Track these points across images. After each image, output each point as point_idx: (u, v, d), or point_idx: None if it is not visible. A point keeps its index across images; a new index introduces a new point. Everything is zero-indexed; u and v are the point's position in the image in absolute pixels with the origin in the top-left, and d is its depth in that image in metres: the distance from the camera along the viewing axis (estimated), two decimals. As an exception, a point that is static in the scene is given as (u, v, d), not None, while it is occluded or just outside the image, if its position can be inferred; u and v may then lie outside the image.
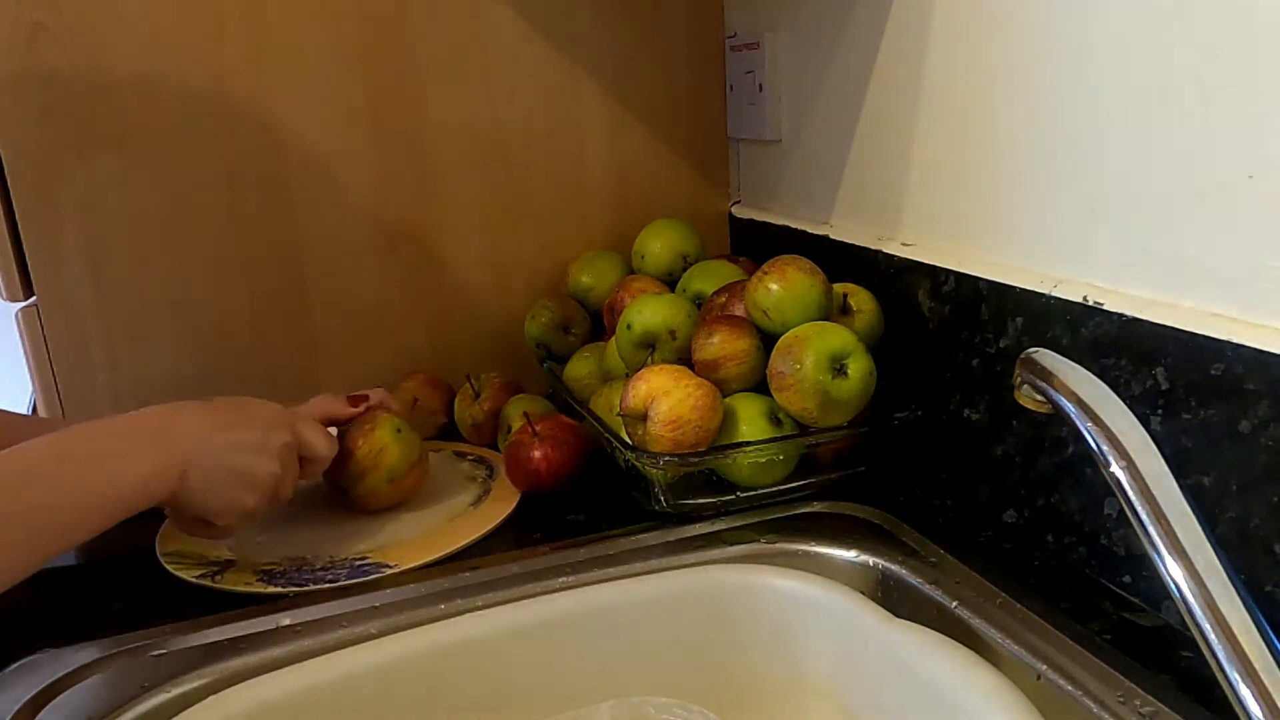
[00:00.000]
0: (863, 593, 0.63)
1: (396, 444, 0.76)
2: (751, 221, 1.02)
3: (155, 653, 0.59)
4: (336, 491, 0.77)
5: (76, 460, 0.57)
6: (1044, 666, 0.53)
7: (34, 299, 0.87)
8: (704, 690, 0.64)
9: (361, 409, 0.78)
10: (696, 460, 0.71)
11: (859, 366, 0.70)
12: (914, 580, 0.62)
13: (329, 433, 0.73)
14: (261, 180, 0.90)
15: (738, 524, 0.71)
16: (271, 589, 0.66)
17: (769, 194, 1.01)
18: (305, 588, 0.66)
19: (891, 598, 0.64)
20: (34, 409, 0.91)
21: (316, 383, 0.93)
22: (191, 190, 0.88)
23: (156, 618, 0.62)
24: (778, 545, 0.68)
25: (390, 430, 0.76)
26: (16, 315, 0.87)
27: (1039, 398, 0.47)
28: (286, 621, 0.62)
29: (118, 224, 0.87)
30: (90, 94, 0.84)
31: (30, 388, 0.89)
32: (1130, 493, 0.41)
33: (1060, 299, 0.61)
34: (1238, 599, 0.39)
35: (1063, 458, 0.63)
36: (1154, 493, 0.41)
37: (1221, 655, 0.38)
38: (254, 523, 0.68)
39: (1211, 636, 0.38)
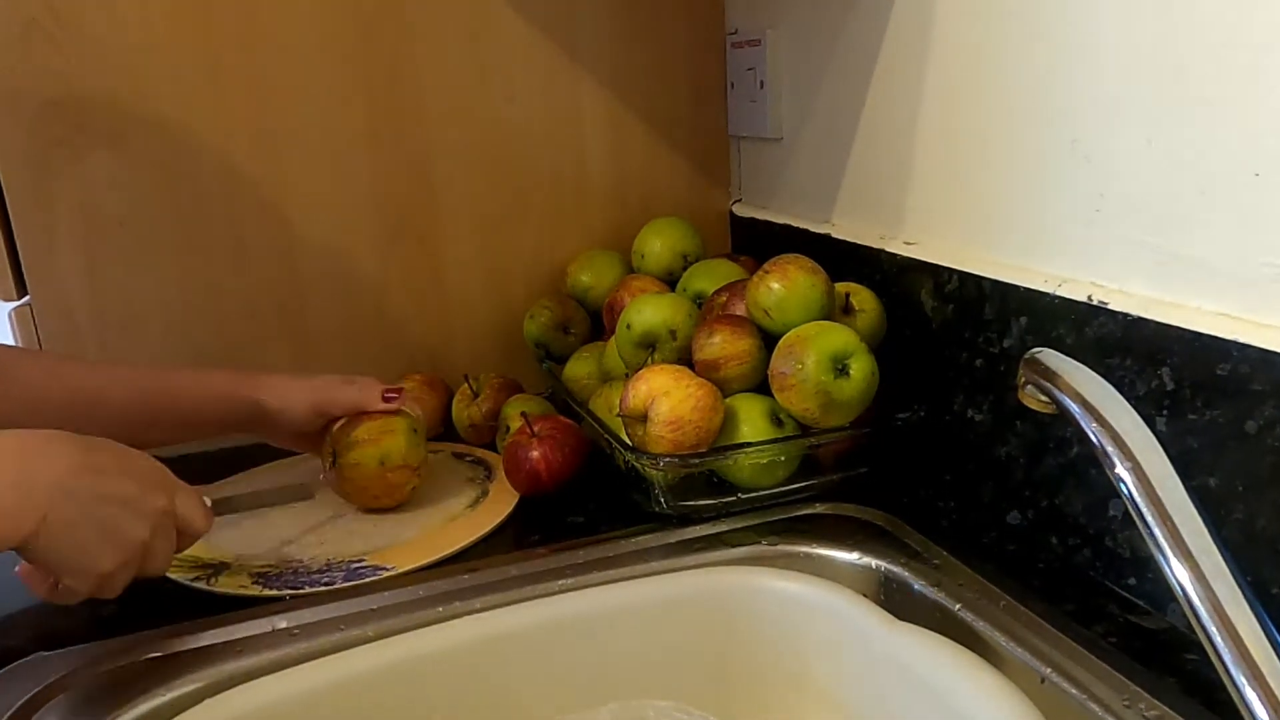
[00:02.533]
0: (865, 595, 0.63)
1: (403, 436, 0.76)
2: (752, 220, 1.02)
3: (149, 656, 0.59)
4: (326, 458, 0.77)
5: None
6: (1048, 670, 0.53)
7: (27, 298, 0.87)
8: (705, 693, 0.64)
9: (392, 407, 0.77)
10: (697, 461, 0.71)
11: (861, 366, 0.70)
12: (917, 582, 0.62)
13: (208, 507, 0.64)
14: (257, 179, 0.90)
15: (739, 526, 0.71)
16: (267, 591, 0.66)
17: (770, 192, 1.01)
18: (301, 590, 0.66)
19: (894, 600, 0.63)
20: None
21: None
22: (187, 189, 0.88)
23: (151, 621, 0.62)
24: (779, 547, 0.68)
25: (406, 424, 0.77)
26: (10, 315, 0.87)
27: (1043, 398, 0.47)
28: (282, 625, 0.62)
29: (113, 223, 0.87)
30: (85, 92, 0.84)
31: (24, 388, 0.89)
32: (1135, 494, 0.41)
33: (1064, 298, 0.61)
34: (1244, 601, 0.39)
35: (1067, 459, 0.63)
36: (1159, 494, 0.41)
37: (1228, 658, 0.38)
38: (108, 594, 0.58)
39: (1217, 639, 0.38)
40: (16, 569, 0.58)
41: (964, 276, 0.70)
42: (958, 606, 0.59)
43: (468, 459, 0.89)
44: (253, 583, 0.67)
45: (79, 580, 0.56)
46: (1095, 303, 0.59)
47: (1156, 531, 0.41)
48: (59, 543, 0.54)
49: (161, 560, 0.60)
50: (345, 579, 0.67)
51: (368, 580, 0.67)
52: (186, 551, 0.71)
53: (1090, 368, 0.47)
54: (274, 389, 0.75)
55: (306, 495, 0.78)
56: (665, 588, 0.64)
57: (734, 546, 0.68)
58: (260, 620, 0.62)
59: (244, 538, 0.74)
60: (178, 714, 0.54)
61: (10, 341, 0.88)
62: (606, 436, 0.75)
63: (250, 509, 0.76)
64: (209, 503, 0.65)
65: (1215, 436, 0.53)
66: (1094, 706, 0.50)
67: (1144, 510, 0.41)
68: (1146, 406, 0.56)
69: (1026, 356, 0.49)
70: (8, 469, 0.53)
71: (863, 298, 0.78)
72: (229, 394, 0.74)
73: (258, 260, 0.92)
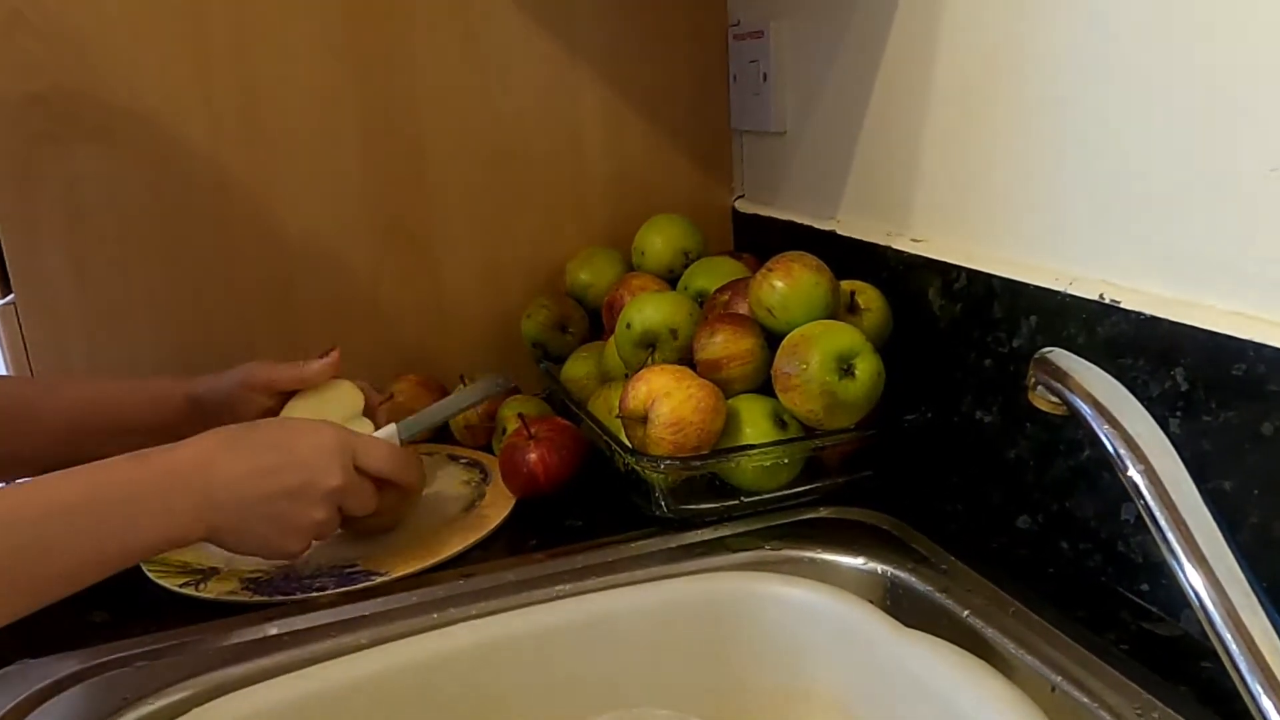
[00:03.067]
0: (871, 601, 0.63)
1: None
2: (755, 216, 1.02)
3: (138, 664, 0.59)
4: None
5: (102, 505, 0.57)
6: (1059, 678, 0.53)
7: (11, 297, 0.86)
8: (706, 702, 0.64)
9: (329, 362, 0.77)
10: (699, 464, 0.71)
11: (867, 367, 0.70)
12: (924, 588, 0.62)
13: (394, 446, 0.69)
14: (247, 173, 0.90)
15: (741, 530, 0.71)
16: (257, 598, 0.66)
17: (773, 188, 1.00)
18: (292, 596, 0.66)
19: (901, 606, 0.63)
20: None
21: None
22: (175, 184, 0.88)
23: (139, 627, 0.62)
24: (783, 552, 0.68)
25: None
26: (-6, 314, 0.87)
27: (1054, 399, 0.47)
28: (273, 631, 0.62)
29: (99, 219, 0.87)
30: (70, 85, 0.84)
31: (8, 389, 0.89)
32: (1148, 497, 0.41)
33: (1076, 297, 0.61)
34: (1260, 608, 0.39)
35: (1078, 461, 0.63)
36: (1173, 497, 0.41)
37: (1243, 666, 0.38)
38: (323, 538, 0.67)
39: (1233, 646, 0.38)
40: None
41: (973, 274, 0.70)
42: (966, 613, 0.59)
43: (463, 461, 0.89)
44: (242, 588, 0.67)
45: (272, 557, 0.66)
46: (1107, 301, 0.59)
47: (1170, 536, 0.41)
48: (235, 542, 0.63)
49: (361, 504, 0.67)
50: (337, 585, 0.67)
51: (360, 586, 0.67)
52: (174, 556, 0.71)
53: (1102, 368, 0.47)
54: (205, 380, 0.76)
55: (506, 385, 0.81)
56: (665, 594, 0.64)
57: (736, 551, 0.68)
58: (250, 627, 0.62)
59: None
60: (166, 723, 0.54)
61: (-4, 342, 0.88)
62: (605, 438, 0.75)
63: (450, 415, 0.79)
64: (397, 437, 0.70)
65: (1230, 439, 0.53)
66: (1106, 716, 0.50)
67: (1157, 514, 0.41)
68: (1160, 408, 0.56)
69: (1037, 356, 0.49)
70: (182, 484, 0.60)
71: (868, 296, 0.78)
72: (165, 395, 0.76)
73: (246, 257, 0.92)
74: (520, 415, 0.81)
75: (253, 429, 0.65)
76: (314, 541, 0.67)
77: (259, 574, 0.69)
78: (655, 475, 0.71)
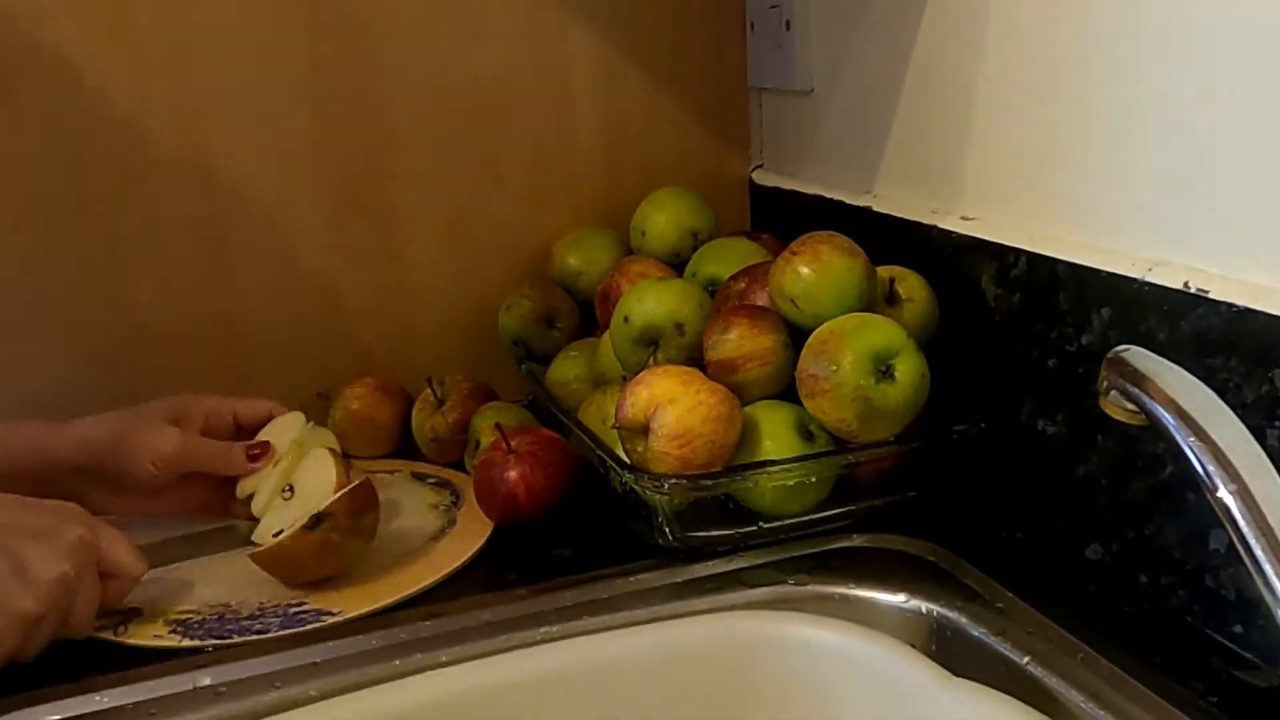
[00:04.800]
0: (914, 646, 0.63)
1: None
2: (776, 190, 1.02)
3: (48, 719, 0.59)
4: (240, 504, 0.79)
5: None
6: (1136, 736, 0.53)
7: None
8: (719, 766, 0.64)
9: (259, 465, 0.79)
10: (709, 483, 0.71)
11: (908, 368, 0.70)
12: (977, 631, 0.63)
13: (135, 549, 0.67)
14: (176, 144, 0.90)
15: (760, 561, 0.71)
16: (187, 642, 0.66)
17: (798, 156, 1.01)
18: (229, 640, 0.66)
19: (949, 652, 0.63)
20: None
21: (240, 386, 0.93)
22: (90, 157, 0.88)
23: (48, 678, 0.62)
24: (809, 587, 0.68)
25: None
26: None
27: (1130, 406, 0.47)
28: (206, 681, 0.62)
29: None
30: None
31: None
32: (1242, 522, 0.41)
33: (1156, 285, 0.61)
34: (1374, 653, 0.39)
35: (1159, 479, 0.63)
36: (1271, 523, 0.41)
37: (1354, 722, 0.38)
38: (30, 649, 0.61)
39: (1342, 699, 0.38)
40: None
41: (1034, 259, 0.70)
42: (1026, 659, 0.59)
43: (430, 481, 0.89)
44: (169, 631, 0.67)
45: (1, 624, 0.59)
46: (1193, 290, 0.59)
47: (1268, 568, 0.41)
48: None
49: (85, 610, 0.63)
50: (282, 626, 0.67)
51: (309, 628, 0.67)
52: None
53: (1187, 369, 0.47)
54: (76, 431, 0.76)
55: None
56: (671, 637, 0.64)
57: (754, 587, 0.68)
58: (179, 676, 0.62)
59: (159, 578, 0.74)
60: (79, 790, 0.55)
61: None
62: (599, 453, 0.75)
63: (188, 558, 0.76)
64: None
65: (1339, 453, 0.53)
66: (1191, 781, 0.50)
67: (1252, 542, 0.41)
68: (1255, 416, 0.56)
69: (1110, 356, 0.49)
70: None
71: (911, 284, 0.78)
72: (36, 445, 0.75)
73: (175, 242, 0.92)
74: (498, 425, 0.81)
75: None
76: (39, 622, 0.61)
77: (189, 614, 0.69)
78: (658, 497, 0.71)
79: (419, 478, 0.89)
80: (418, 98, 0.96)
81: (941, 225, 0.79)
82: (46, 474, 0.75)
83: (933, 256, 0.80)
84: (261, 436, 0.81)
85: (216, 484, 0.80)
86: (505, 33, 0.97)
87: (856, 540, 0.73)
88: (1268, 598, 0.41)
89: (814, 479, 0.73)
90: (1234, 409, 0.45)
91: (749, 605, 0.67)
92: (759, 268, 0.81)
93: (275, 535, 0.72)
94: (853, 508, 0.75)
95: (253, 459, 0.79)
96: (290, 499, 0.76)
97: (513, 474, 0.77)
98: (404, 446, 0.94)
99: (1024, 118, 0.72)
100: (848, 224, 0.83)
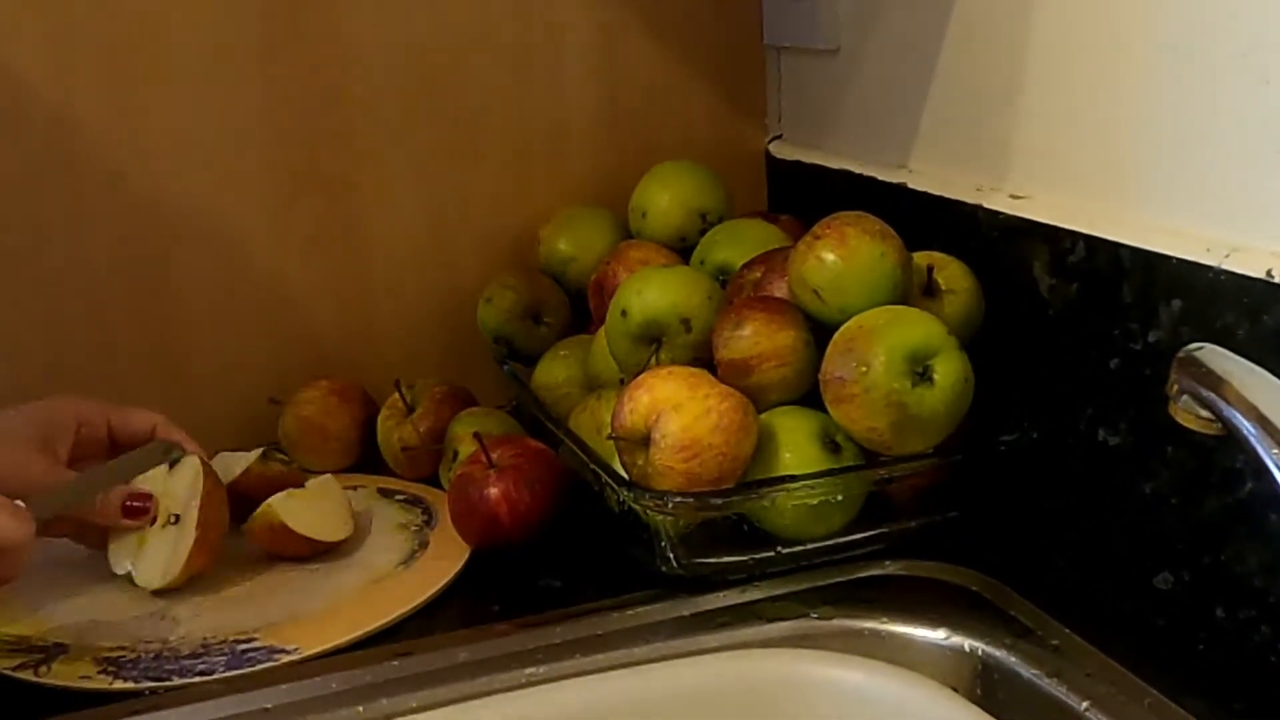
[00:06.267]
0: (955, 689, 0.63)
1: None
2: (797, 164, 1.02)
3: (-45, 774, 0.59)
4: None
5: None
6: (1211, 793, 0.53)
7: None
8: (731, 827, 0.64)
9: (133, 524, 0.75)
10: (720, 502, 0.71)
11: (949, 370, 0.70)
12: (1028, 672, 0.62)
13: (16, 508, 0.65)
14: (105, 116, 0.90)
15: (779, 592, 0.71)
16: (120, 684, 0.66)
17: (822, 126, 1.01)
18: (167, 682, 0.66)
19: (996, 696, 0.64)
20: None
21: (180, 391, 0.93)
22: (6, 128, 0.88)
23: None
24: (835, 621, 0.68)
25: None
26: None
27: (1204, 413, 0.47)
28: (141, 730, 0.62)
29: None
30: None
31: None
32: (1334, 547, 0.42)
33: (1234, 274, 0.61)
34: None
35: (1238, 497, 0.63)
36: (1367, 547, 0.41)
37: None
38: None
39: None
40: None
41: (1093, 243, 0.70)
42: (1085, 705, 0.59)
43: (399, 497, 0.89)
44: (99, 672, 0.67)
45: None
46: (1277, 280, 0.59)
47: (1363, 599, 0.41)
48: None
49: None
50: (229, 666, 0.67)
51: (260, 668, 0.66)
52: (8, 627, 0.71)
53: (1270, 370, 0.47)
54: None
55: (176, 457, 0.77)
56: (676, 679, 0.64)
57: (772, 621, 0.68)
58: (110, 724, 0.62)
59: (87, 606, 0.74)
60: None
61: None
62: (593, 467, 0.76)
63: (92, 491, 0.74)
64: (20, 504, 0.64)
65: None
66: (1275, 844, 0.50)
67: (1345, 570, 0.41)
68: (1348, 425, 0.56)
69: (1181, 355, 0.49)
70: None
71: (951, 273, 0.78)
72: None
73: (104, 228, 0.92)
74: (477, 435, 0.81)
75: None
76: None
77: (121, 652, 0.69)
78: (660, 517, 0.71)
79: (386, 494, 0.90)
80: (385, 62, 0.96)
81: (987, 205, 0.79)
82: None
83: (977, 241, 0.80)
84: (147, 483, 0.77)
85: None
86: (485, -16, 0.98)
87: (889, 567, 0.73)
88: (1363, 633, 0.41)
89: (840, 497, 0.73)
90: (1324, 416, 0.45)
91: (765, 643, 0.67)
92: (777, 254, 0.81)
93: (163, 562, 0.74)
94: (885, 530, 0.75)
95: (129, 514, 0.75)
96: (177, 522, 0.75)
97: (494, 491, 0.77)
98: (368, 459, 0.94)
99: (1081, 82, 0.72)
100: (879, 203, 0.83)
